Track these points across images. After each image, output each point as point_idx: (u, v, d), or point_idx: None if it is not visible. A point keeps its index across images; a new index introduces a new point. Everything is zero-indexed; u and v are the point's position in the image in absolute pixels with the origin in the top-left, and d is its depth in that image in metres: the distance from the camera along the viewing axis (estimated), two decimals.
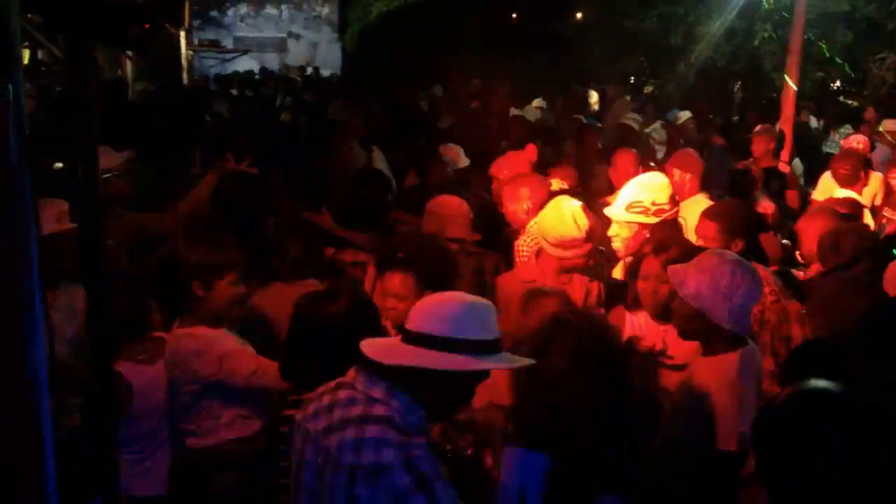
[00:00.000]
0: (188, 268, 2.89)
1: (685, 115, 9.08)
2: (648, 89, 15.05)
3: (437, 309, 1.95)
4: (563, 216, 3.37)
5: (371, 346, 1.96)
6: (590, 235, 3.39)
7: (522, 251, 3.92)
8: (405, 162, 6.68)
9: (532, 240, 3.83)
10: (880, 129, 8.74)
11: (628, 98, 11.89)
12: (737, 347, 2.59)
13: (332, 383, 2.04)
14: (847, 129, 9.32)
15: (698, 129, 9.57)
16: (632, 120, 8.49)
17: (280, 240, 3.72)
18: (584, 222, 3.36)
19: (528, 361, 2.08)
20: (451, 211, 3.91)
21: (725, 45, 12.18)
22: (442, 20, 18.18)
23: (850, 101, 12.31)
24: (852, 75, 12.05)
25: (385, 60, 16.20)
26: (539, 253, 3.57)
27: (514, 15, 22.63)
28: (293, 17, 21.42)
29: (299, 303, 2.67)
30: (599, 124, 9.29)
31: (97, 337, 1.74)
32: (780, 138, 7.54)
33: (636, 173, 5.05)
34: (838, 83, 12.84)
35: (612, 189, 5.00)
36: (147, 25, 1.87)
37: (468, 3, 19.29)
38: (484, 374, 2.00)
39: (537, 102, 11.20)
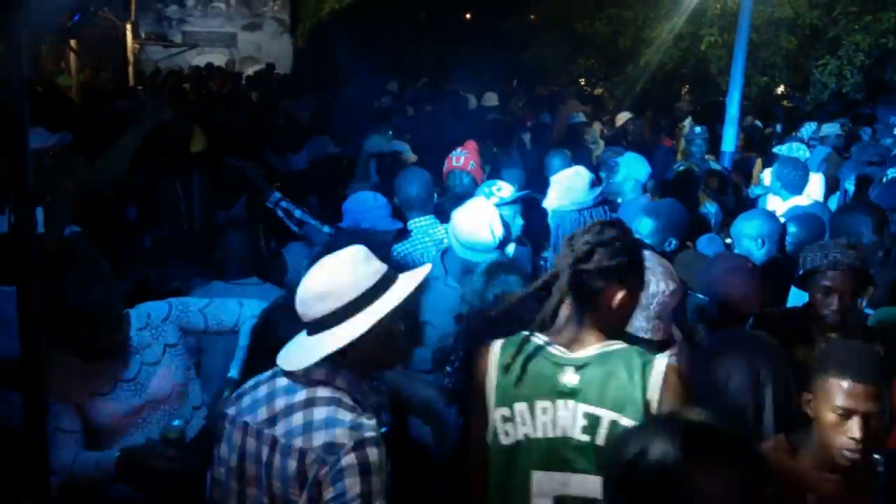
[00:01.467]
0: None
1: (624, 116, 9.19)
2: (599, 91, 15.25)
3: (315, 288, 1.90)
4: (479, 220, 3.32)
5: (285, 359, 1.94)
6: (501, 244, 3.37)
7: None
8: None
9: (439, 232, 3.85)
10: (821, 133, 8.96)
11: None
12: (664, 350, 2.46)
13: (267, 374, 2.00)
14: (811, 127, 9.52)
15: (649, 130, 9.72)
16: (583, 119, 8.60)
17: (221, 237, 3.63)
18: (499, 230, 3.34)
19: (425, 267, 2.05)
20: (366, 206, 3.87)
21: (673, 48, 12.41)
22: (395, 18, 18.15)
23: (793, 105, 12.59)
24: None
25: (337, 58, 16.09)
26: (446, 253, 3.50)
27: (468, 14, 22.73)
28: (243, 12, 21.14)
29: (266, 311, 2.64)
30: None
31: (28, 334, 1.70)
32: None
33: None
34: (782, 88, 13.16)
35: None
36: (80, 13, 1.79)
37: (422, 2, 19.30)
38: (395, 313, 1.91)
39: (489, 98, 11.24)
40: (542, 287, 2.02)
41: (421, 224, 3.93)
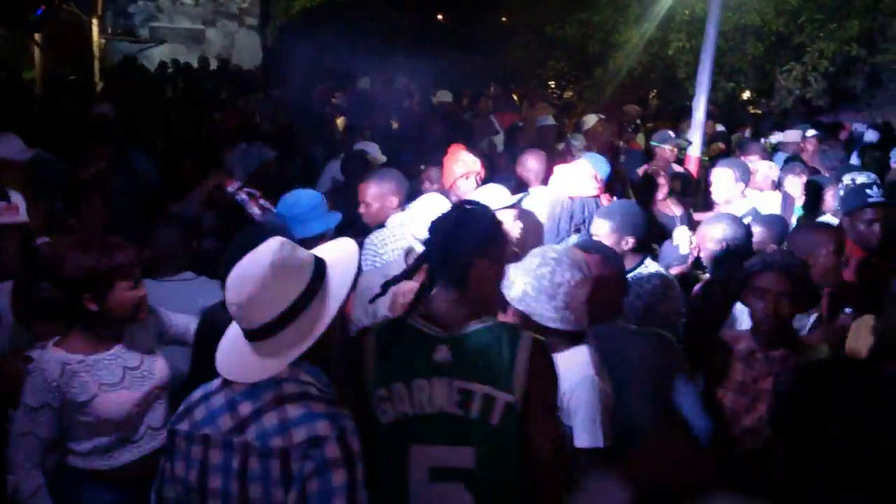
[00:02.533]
0: (71, 282, 2.57)
1: (592, 118, 9.24)
2: (569, 94, 15.34)
3: (249, 295, 1.84)
4: (433, 214, 3.34)
5: (239, 372, 1.87)
6: None
7: (388, 245, 3.86)
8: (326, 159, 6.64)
9: (397, 236, 3.83)
10: (784, 138, 9.11)
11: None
12: (578, 343, 2.57)
13: (215, 384, 1.94)
14: (778, 136, 9.67)
15: (618, 134, 9.78)
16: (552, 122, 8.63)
17: (153, 232, 3.58)
18: None
19: (351, 244, 2.06)
20: (301, 209, 3.78)
21: (642, 53, 12.53)
22: (367, 18, 18.11)
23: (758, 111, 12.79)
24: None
25: (307, 56, 16.01)
26: (409, 252, 3.50)
27: (440, 15, 22.76)
28: (212, 9, 20.93)
29: (208, 310, 2.58)
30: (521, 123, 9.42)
31: None
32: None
33: (543, 170, 5.20)
34: (748, 93, 13.34)
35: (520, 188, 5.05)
36: (43, 7, 1.76)
37: (393, 2, 19.29)
38: (342, 302, 1.93)
39: (443, 95, 11.28)
40: (414, 269, 2.09)
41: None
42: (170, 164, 5.62)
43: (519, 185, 5.20)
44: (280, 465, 1.78)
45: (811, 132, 9.42)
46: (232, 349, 1.92)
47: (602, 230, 3.66)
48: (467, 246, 2.09)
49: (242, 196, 3.95)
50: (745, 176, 5.32)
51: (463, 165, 4.79)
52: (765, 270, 2.88)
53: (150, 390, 2.70)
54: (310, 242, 3.58)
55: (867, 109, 11.92)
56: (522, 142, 7.84)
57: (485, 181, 4.73)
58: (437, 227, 2.16)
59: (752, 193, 6.59)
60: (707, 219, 4.45)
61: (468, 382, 2.02)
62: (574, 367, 2.52)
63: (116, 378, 2.63)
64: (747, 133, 10.72)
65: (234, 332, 1.95)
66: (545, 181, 5.03)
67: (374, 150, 6.28)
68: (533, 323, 2.51)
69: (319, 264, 1.93)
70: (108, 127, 6.24)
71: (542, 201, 4.59)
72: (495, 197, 3.98)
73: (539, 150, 5.42)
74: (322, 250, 2.04)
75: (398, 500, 2.03)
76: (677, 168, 7.18)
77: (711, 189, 5.29)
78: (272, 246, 1.89)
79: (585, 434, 2.46)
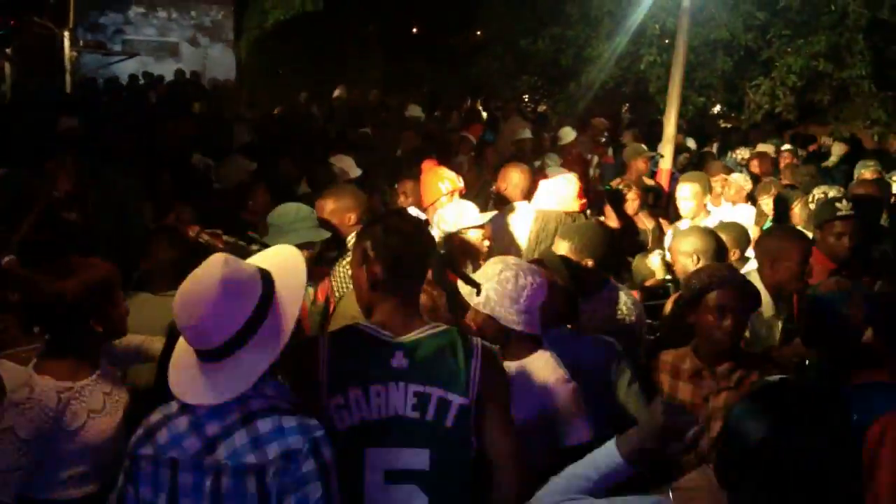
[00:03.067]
0: (79, 304, 2.47)
1: (568, 133, 9.31)
2: (542, 108, 15.46)
3: (202, 316, 1.81)
4: None
5: (196, 394, 1.85)
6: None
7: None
8: (298, 171, 6.60)
9: None
10: (755, 151, 9.25)
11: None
12: (538, 348, 2.68)
13: (174, 406, 1.90)
14: (743, 151, 9.82)
15: (589, 148, 9.86)
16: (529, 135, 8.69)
17: (150, 245, 3.51)
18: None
19: (293, 250, 2.08)
20: (288, 218, 3.79)
21: (614, 67, 12.66)
22: (340, 30, 18.12)
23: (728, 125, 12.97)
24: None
25: (280, 69, 16.00)
26: None
27: (415, 28, 22.86)
28: (186, 22, 20.86)
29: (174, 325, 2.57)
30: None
31: None
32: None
33: (527, 185, 5.19)
34: (718, 107, 13.52)
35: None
36: (13, 21, 1.73)
37: (368, 15, 19.33)
38: (296, 314, 1.94)
39: (413, 109, 11.32)
40: (369, 278, 2.12)
41: None
42: (148, 179, 5.57)
43: (496, 201, 5.19)
44: (256, 483, 1.77)
45: (786, 146, 9.60)
46: (188, 371, 1.89)
47: (561, 250, 3.68)
48: (418, 256, 2.17)
49: (205, 238, 3.91)
50: (709, 189, 5.40)
51: (449, 184, 4.70)
52: (722, 287, 2.90)
53: (122, 415, 2.64)
54: None
55: (834, 123, 12.14)
56: (493, 156, 7.87)
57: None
58: (388, 238, 2.19)
59: (726, 206, 6.71)
60: (678, 232, 4.50)
61: (423, 386, 2.05)
62: (543, 370, 2.62)
63: (99, 405, 2.56)
64: (714, 148, 10.89)
65: (185, 353, 1.92)
66: (527, 196, 5.03)
67: (349, 164, 6.22)
68: (496, 327, 2.63)
69: (265, 276, 1.92)
70: (74, 141, 6.15)
71: (528, 216, 4.59)
72: (466, 214, 4.00)
73: (522, 164, 5.39)
74: (260, 259, 2.04)
75: (354, 503, 2.04)
76: (649, 181, 7.27)
77: (677, 203, 5.32)
78: (217, 262, 1.87)
79: (573, 431, 2.55)
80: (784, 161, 8.77)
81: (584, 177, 5.93)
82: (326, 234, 3.79)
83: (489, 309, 2.64)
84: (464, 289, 2.74)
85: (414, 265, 2.17)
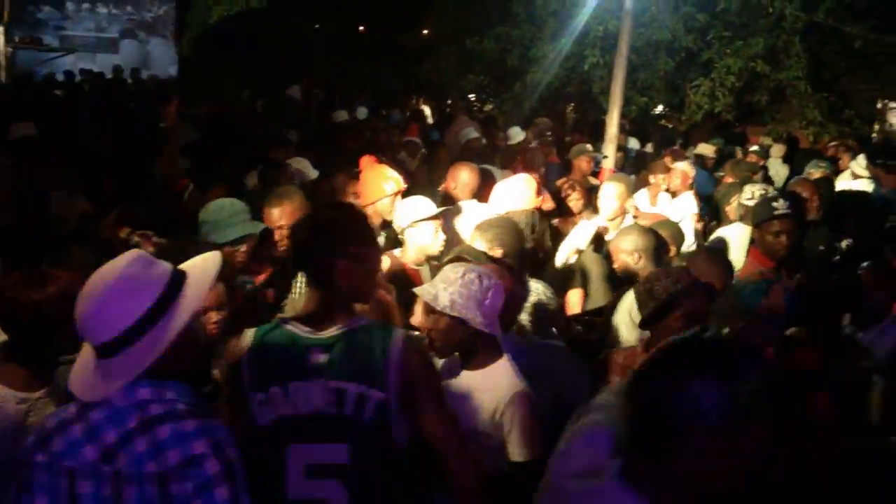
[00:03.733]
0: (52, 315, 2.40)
1: (517, 133, 9.38)
2: (489, 107, 15.52)
3: (96, 309, 1.81)
4: None
5: (85, 390, 1.82)
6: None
7: None
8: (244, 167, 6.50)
9: None
10: (695, 151, 9.44)
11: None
12: (498, 355, 2.66)
13: (70, 412, 1.85)
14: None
15: (543, 150, 9.93)
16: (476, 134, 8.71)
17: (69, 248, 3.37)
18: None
19: (215, 256, 2.04)
20: (222, 215, 3.73)
21: (559, 68, 12.78)
22: (286, 28, 17.93)
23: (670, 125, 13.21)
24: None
25: (224, 66, 15.74)
26: None
27: (362, 27, 22.72)
28: (126, 17, 20.38)
29: None
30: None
31: None
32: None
33: (476, 185, 5.22)
34: (660, 108, 13.76)
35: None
36: None
37: (314, 12, 19.16)
38: (194, 316, 1.92)
39: (360, 113, 11.30)
40: (281, 273, 2.14)
41: None
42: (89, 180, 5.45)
43: (444, 200, 5.19)
44: (158, 490, 1.73)
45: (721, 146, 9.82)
46: (85, 368, 1.87)
47: (477, 244, 3.70)
48: (326, 247, 2.14)
49: (135, 240, 3.86)
50: (632, 191, 5.49)
51: (394, 184, 4.62)
52: (690, 296, 2.92)
53: None
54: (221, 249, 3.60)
55: (771, 123, 12.46)
56: (442, 155, 7.89)
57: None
58: (295, 229, 2.23)
59: (665, 200, 6.84)
60: (618, 231, 4.58)
61: (342, 382, 2.07)
62: (502, 380, 2.60)
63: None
64: (650, 148, 11.10)
65: (87, 349, 1.90)
66: (477, 195, 5.06)
67: (306, 166, 6.13)
68: (463, 331, 2.58)
69: (177, 278, 1.89)
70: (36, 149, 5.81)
71: (476, 216, 4.57)
72: (419, 208, 4.02)
73: (471, 164, 5.41)
74: (189, 264, 2.02)
75: (276, 498, 2.07)
76: (593, 181, 7.36)
77: (598, 202, 5.32)
78: (123, 258, 1.87)
79: (522, 448, 2.53)
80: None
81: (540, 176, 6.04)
82: (262, 226, 3.80)
83: (456, 311, 2.57)
84: (426, 293, 2.68)
85: (320, 257, 2.14)
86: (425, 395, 2.16)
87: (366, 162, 5.04)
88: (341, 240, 2.16)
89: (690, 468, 1.44)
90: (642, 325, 3.13)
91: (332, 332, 2.12)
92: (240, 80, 14.19)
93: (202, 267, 1.99)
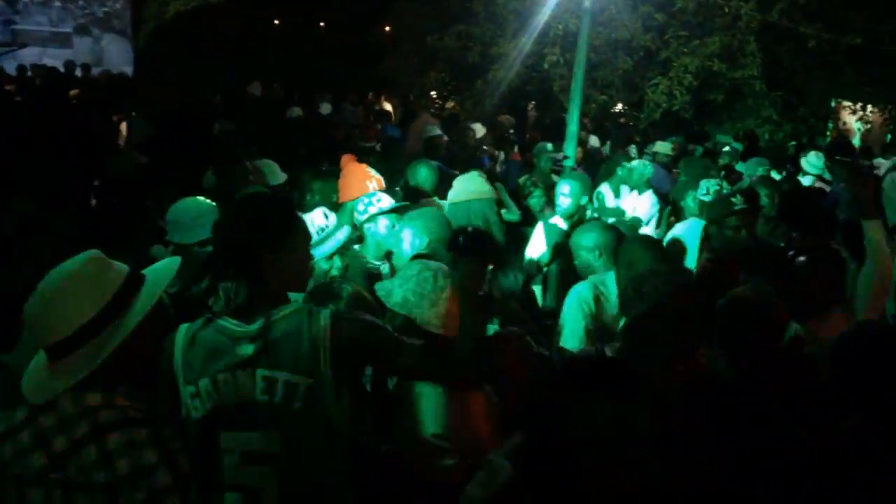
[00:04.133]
0: None
1: (479, 129, 9.39)
2: (450, 104, 15.53)
3: (48, 309, 1.80)
4: None
5: (35, 392, 1.80)
6: (320, 235, 3.42)
7: None
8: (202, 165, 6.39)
9: None
10: (653, 149, 9.53)
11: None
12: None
13: (19, 417, 1.81)
14: (632, 149, 10.11)
15: (497, 145, 9.97)
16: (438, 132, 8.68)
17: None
18: (320, 221, 3.37)
19: (175, 262, 2.08)
20: (188, 215, 3.70)
21: (519, 66, 12.83)
22: (245, 24, 17.75)
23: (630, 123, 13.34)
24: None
25: (181, 62, 15.52)
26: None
27: (322, 24, 22.59)
28: (80, 11, 19.96)
29: None
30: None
31: None
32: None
33: (436, 181, 5.24)
34: (620, 106, 13.89)
35: None
36: None
37: (273, 9, 19.00)
38: (149, 318, 1.89)
39: (324, 108, 11.24)
40: (210, 268, 2.13)
41: None
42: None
43: (406, 195, 5.18)
44: (107, 499, 1.70)
45: (679, 144, 9.92)
46: (37, 369, 1.85)
47: (407, 236, 3.69)
48: (248, 240, 2.14)
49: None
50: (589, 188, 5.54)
51: (376, 183, 4.59)
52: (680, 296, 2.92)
53: None
54: (189, 248, 3.55)
55: (728, 121, 12.66)
56: (403, 153, 7.85)
57: None
58: (218, 224, 2.23)
59: (628, 195, 6.90)
60: (579, 227, 4.59)
61: (271, 371, 2.09)
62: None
63: None
64: (607, 146, 11.19)
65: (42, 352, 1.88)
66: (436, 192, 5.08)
67: (275, 169, 6.02)
68: (415, 331, 2.53)
69: (133, 282, 1.88)
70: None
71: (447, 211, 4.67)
72: (379, 201, 4.03)
73: (430, 161, 5.44)
74: (151, 269, 2.01)
75: (214, 486, 2.09)
76: (555, 178, 7.39)
77: (554, 199, 5.35)
78: (78, 261, 1.85)
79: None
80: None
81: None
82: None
83: (407, 310, 2.57)
84: (381, 289, 2.67)
85: (244, 250, 2.14)
86: (374, 354, 2.22)
87: (346, 161, 5.01)
88: (263, 231, 2.15)
89: (584, 482, 1.48)
90: (630, 327, 3.08)
91: (259, 322, 2.12)
92: (197, 75, 14.00)
93: (160, 270, 1.99)
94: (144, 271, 1.95)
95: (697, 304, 2.84)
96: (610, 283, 3.78)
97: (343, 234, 3.51)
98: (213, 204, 3.80)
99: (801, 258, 3.65)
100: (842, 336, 2.35)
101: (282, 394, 2.08)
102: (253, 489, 2.09)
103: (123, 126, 8.31)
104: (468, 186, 4.88)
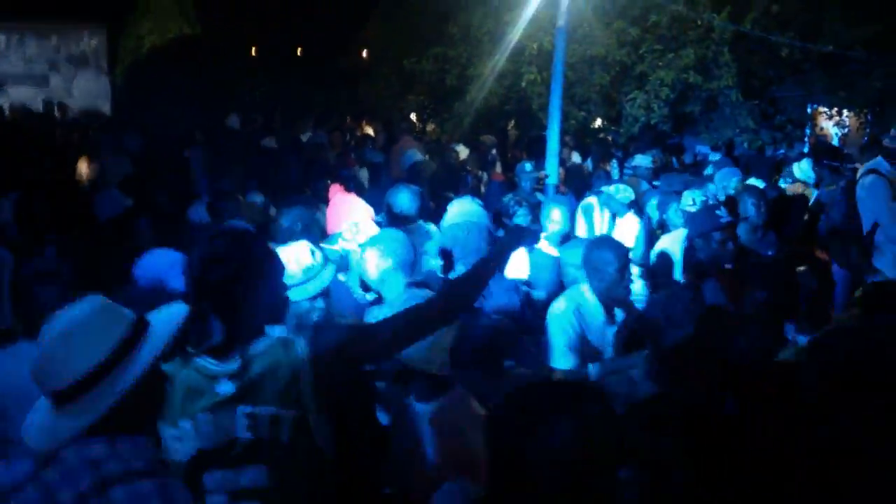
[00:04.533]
0: None
1: (463, 150, 9.43)
2: (431, 127, 15.56)
3: (53, 355, 1.76)
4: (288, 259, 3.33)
5: (37, 439, 1.76)
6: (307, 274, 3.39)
7: None
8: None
9: None
10: (634, 163, 9.57)
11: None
12: (448, 388, 2.68)
13: (22, 470, 1.75)
14: (614, 165, 10.14)
15: (479, 165, 9.99)
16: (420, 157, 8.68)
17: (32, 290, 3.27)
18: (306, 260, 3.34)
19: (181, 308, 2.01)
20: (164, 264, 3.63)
21: (497, 86, 12.89)
22: (221, 53, 17.76)
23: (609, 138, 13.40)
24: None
25: (158, 97, 15.48)
26: None
27: (300, 50, 22.64)
28: (55, 50, 19.92)
29: None
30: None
31: None
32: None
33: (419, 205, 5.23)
34: (599, 122, 13.97)
35: None
36: None
37: (248, 37, 19.03)
38: (154, 365, 1.85)
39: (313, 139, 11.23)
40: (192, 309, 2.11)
41: None
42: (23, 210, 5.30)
43: (390, 220, 5.17)
44: None
45: (658, 157, 9.96)
46: (40, 415, 1.82)
47: (371, 258, 3.68)
48: (222, 275, 2.11)
49: None
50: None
51: (365, 213, 4.62)
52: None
53: None
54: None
55: (706, 132, 12.75)
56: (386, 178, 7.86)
57: None
58: (190, 262, 2.20)
59: (606, 216, 6.90)
60: (566, 244, 4.61)
61: (253, 408, 2.07)
62: (464, 408, 2.59)
63: None
64: (589, 163, 11.23)
65: (44, 399, 1.84)
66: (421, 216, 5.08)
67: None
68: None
69: (139, 328, 1.84)
70: None
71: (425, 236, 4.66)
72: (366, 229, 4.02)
73: (412, 186, 5.40)
74: (155, 313, 1.96)
75: None
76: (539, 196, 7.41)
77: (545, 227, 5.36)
78: (83, 305, 1.82)
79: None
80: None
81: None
82: None
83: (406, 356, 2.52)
84: (370, 318, 2.67)
85: (217, 287, 2.11)
86: (356, 350, 2.20)
87: (335, 191, 4.98)
88: (236, 267, 2.13)
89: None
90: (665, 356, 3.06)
91: (236, 359, 2.10)
92: (175, 110, 13.96)
93: (166, 317, 1.94)
94: (149, 317, 1.91)
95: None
96: (584, 293, 3.78)
97: (329, 274, 3.48)
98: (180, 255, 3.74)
99: (802, 268, 3.68)
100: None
101: (267, 429, 2.06)
102: None
103: (84, 165, 8.15)
104: (463, 209, 4.84)
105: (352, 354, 2.21)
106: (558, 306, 3.77)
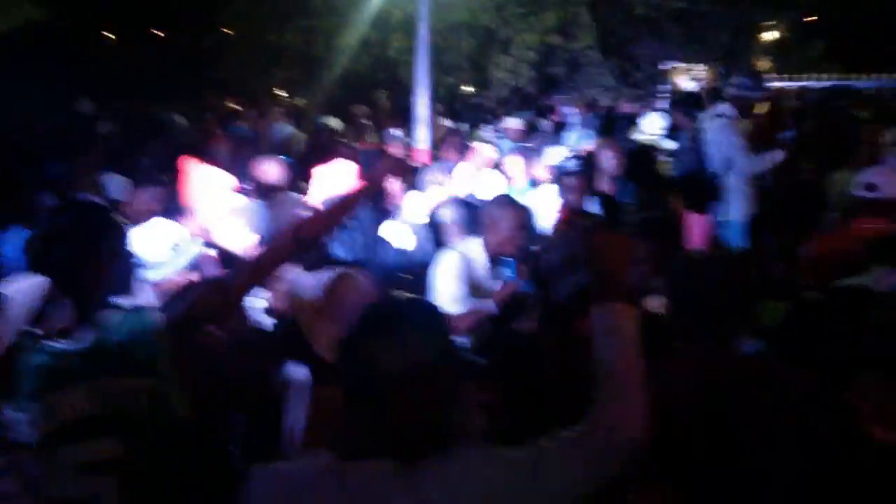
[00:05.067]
0: None
1: (334, 121, 9.31)
2: (301, 101, 15.31)
3: None
4: (154, 238, 3.24)
5: None
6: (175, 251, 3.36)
7: None
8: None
9: None
10: (504, 126, 9.76)
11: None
12: None
13: None
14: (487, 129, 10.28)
15: (356, 137, 9.91)
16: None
17: None
18: (172, 237, 3.30)
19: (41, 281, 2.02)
20: None
21: (365, 55, 12.81)
22: (75, 40, 16.83)
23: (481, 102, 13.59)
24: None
25: (7, 87, 14.52)
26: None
27: (159, 32, 21.74)
28: None
29: None
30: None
31: None
32: None
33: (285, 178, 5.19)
34: (471, 87, 14.13)
35: None
36: None
37: (102, 21, 18.11)
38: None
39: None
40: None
41: None
42: None
43: (259, 192, 5.12)
44: None
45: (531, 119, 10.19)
46: None
47: (233, 230, 3.69)
48: (66, 253, 2.09)
49: None
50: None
51: (228, 183, 4.47)
52: None
53: None
54: None
55: (570, 92, 13.14)
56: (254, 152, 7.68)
57: None
58: (31, 242, 2.16)
59: (476, 174, 7.04)
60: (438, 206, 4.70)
61: (108, 381, 2.04)
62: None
63: None
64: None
65: None
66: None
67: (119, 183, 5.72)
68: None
69: None
70: None
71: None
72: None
73: (280, 159, 5.38)
74: (13, 288, 1.92)
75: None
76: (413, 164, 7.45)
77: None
78: None
79: None
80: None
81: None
82: None
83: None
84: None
85: (59, 264, 2.09)
86: (209, 307, 2.15)
87: (188, 164, 4.82)
88: (77, 242, 2.11)
89: (389, 419, 1.54)
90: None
91: (79, 337, 2.07)
92: (27, 100, 13.14)
93: (24, 291, 1.92)
94: (5, 291, 1.86)
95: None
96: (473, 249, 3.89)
97: (196, 247, 3.42)
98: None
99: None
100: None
101: (122, 400, 2.04)
102: (90, 499, 2.02)
103: None
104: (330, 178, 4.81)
105: (205, 310, 2.18)
106: (448, 256, 3.85)
